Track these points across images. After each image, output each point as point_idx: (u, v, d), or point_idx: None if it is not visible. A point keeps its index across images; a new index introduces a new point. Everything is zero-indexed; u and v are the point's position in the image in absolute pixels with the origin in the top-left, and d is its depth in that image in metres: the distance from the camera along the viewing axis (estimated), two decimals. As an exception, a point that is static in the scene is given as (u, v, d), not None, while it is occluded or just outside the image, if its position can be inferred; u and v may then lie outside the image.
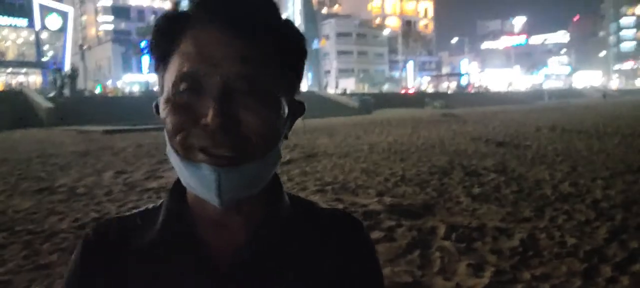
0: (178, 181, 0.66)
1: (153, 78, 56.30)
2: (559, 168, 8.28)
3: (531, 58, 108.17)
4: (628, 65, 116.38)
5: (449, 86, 71.91)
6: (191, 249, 0.64)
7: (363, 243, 0.71)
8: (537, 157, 9.73)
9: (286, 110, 0.62)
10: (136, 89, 47.58)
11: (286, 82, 0.62)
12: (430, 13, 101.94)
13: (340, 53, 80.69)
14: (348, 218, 0.73)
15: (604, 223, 4.89)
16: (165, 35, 0.61)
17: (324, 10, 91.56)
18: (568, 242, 4.32)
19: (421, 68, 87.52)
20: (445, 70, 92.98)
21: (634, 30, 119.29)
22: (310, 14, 76.17)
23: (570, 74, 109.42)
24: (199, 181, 0.58)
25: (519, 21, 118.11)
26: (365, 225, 0.74)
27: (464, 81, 75.86)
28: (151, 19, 67.07)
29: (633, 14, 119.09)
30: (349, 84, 68.58)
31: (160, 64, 0.62)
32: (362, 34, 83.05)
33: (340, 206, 5.63)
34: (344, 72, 78.76)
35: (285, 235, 0.66)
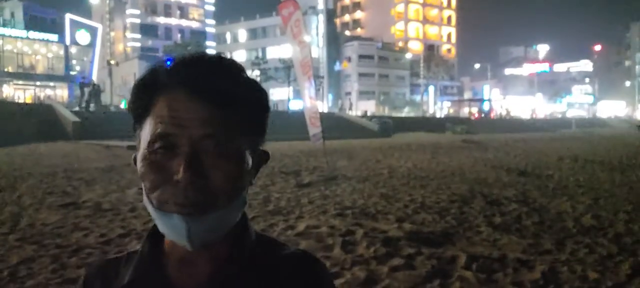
0: (156, 226, 0.73)
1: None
2: (580, 200, 8.20)
3: (554, 86, 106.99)
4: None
5: (470, 111, 71.44)
6: (159, 286, 0.72)
7: (320, 281, 0.76)
8: (559, 188, 9.64)
9: (250, 162, 0.70)
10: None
11: (250, 137, 0.70)
12: (453, 38, 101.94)
13: (362, 75, 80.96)
14: (309, 257, 0.78)
15: (627, 258, 4.84)
16: (141, 99, 0.69)
17: (347, 33, 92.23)
18: (590, 277, 4.28)
19: (443, 92, 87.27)
20: (467, 95, 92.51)
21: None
22: (333, 36, 76.84)
23: (593, 103, 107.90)
24: (171, 229, 0.66)
25: (543, 48, 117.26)
26: (329, 270, 0.80)
27: (485, 107, 75.30)
28: (178, 37, 68.42)
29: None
30: (370, 106, 68.65)
31: (137, 123, 0.71)
32: (384, 57, 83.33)
33: (361, 231, 5.67)
34: (364, 94, 78.91)
35: (247, 272, 0.72)
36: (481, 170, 12.58)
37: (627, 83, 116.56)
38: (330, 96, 71.99)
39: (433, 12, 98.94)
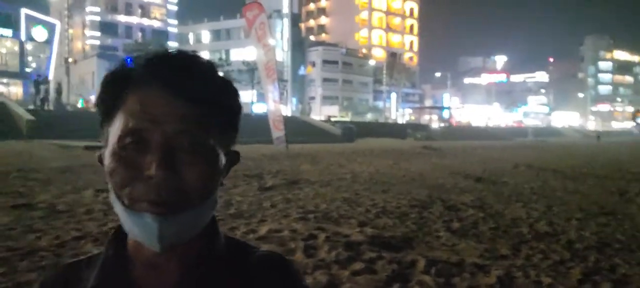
0: (119, 227, 0.71)
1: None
2: (534, 207, 8.46)
3: (511, 96, 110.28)
4: (604, 107, 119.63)
5: (431, 119, 72.91)
6: None
7: (291, 281, 0.75)
8: (514, 195, 9.92)
9: (223, 161, 0.69)
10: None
11: (223, 136, 0.69)
12: (415, 47, 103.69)
13: (326, 80, 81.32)
14: (280, 258, 0.77)
15: (578, 264, 5.03)
16: (111, 93, 0.67)
17: (312, 38, 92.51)
18: (544, 282, 4.43)
19: (404, 99, 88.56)
20: (427, 103, 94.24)
21: (611, 74, 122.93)
22: (297, 40, 76.88)
23: (548, 113, 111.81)
24: (141, 229, 0.64)
25: (500, 59, 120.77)
26: (300, 269, 0.80)
27: (445, 114, 77.03)
28: (139, 36, 67.03)
29: (611, 59, 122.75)
30: (333, 111, 69.01)
31: (105, 119, 0.68)
32: (348, 62, 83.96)
33: (323, 235, 5.68)
34: (328, 99, 79.29)
35: (216, 274, 0.70)
36: (440, 176, 12.83)
37: (581, 94, 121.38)
38: (294, 100, 71.97)
39: (396, 21, 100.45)
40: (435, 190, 10.11)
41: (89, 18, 68.17)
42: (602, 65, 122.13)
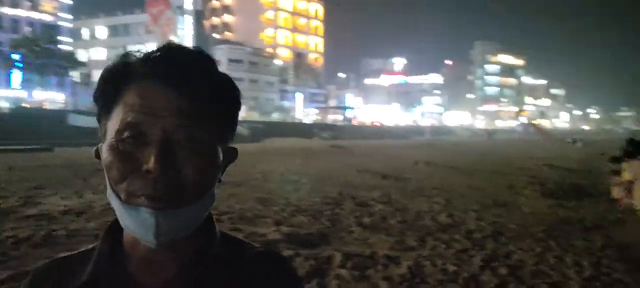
0: (114, 222, 0.70)
1: (23, 94, 51.25)
2: (436, 201, 9.04)
3: (409, 96, 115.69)
4: (491, 107, 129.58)
5: (335, 119, 74.73)
6: (121, 287, 0.68)
7: (288, 279, 0.75)
8: (416, 190, 10.52)
9: (221, 157, 0.68)
10: (4, 105, 43.33)
11: (222, 132, 0.69)
12: (321, 47, 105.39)
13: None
14: (276, 255, 0.77)
15: (478, 251, 5.49)
16: (109, 86, 0.66)
17: (216, 36, 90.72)
18: (449, 269, 4.80)
19: (310, 99, 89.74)
20: (332, 103, 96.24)
21: (497, 76, 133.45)
22: (201, 38, 75.08)
23: (442, 113, 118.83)
24: (138, 223, 0.63)
25: (398, 62, 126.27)
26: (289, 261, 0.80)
27: (349, 114, 79.34)
28: (27, 30, 61.75)
29: (497, 62, 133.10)
30: (240, 111, 68.27)
31: (103, 113, 0.68)
32: (254, 62, 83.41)
33: (239, 235, 5.69)
34: (234, 99, 78.28)
35: (213, 271, 0.69)
36: (349, 174, 13.25)
37: (471, 95, 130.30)
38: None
39: (302, 21, 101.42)
40: (345, 187, 10.45)
41: (-35, 9, 61.71)
42: (490, 68, 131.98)
